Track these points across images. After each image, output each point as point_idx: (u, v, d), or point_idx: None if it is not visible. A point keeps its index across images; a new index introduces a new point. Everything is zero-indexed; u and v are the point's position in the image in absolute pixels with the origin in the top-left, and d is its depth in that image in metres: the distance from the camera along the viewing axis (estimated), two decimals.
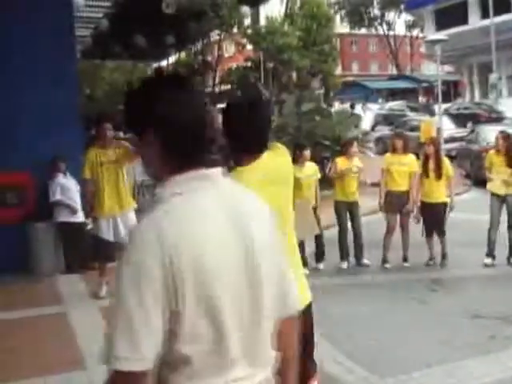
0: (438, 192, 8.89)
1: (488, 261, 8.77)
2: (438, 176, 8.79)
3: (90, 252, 8.59)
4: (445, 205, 8.90)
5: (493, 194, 8.89)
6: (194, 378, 1.71)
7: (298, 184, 7.26)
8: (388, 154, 9.47)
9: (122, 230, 7.55)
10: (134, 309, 1.60)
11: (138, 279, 1.62)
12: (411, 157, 9.23)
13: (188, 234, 1.67)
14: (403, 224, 9.13)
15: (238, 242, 1.76)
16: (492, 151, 9.18)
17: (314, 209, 8.41)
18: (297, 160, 8.10)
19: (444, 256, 8.89)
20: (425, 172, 8.87)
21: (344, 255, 9.16)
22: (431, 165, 8.84)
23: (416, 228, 9.04)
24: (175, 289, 1.63)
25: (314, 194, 8.73)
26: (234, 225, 1.77)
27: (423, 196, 8.95)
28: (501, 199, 8.80)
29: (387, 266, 9.01)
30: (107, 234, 7.67)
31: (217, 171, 1.83)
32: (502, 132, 9.12)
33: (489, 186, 9.00)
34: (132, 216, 7.72)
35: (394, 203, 9.03)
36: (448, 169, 8.95)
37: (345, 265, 9.13)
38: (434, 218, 8.89)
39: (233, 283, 1.74)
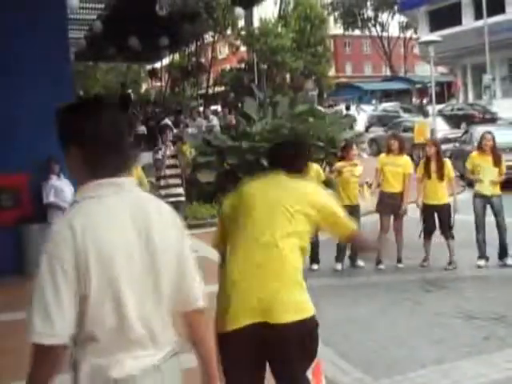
0: (441, 193, 8.86)
1: (481, 262, 8.77)
2: (440, 177, 8.75)
3: None
4: (448, 206, 8.90)
5: (476, 196, 8.85)
6: (101, 355, 2.00)
7: None
8: (382, 155, 9.47)
9: None
10: (48, 291, 1.92)
11: (53, 266, 1.94)
12: (406, 158, 9.23)
13: (97, 229, 1.99)
14: (397, 226, 9.15)
15: (140, 238, 2.07)
16: (474, 153, 9.11)
17: None
18: None
19: (451, 263, 8.78)
20: (427, 173, 8.83)
21: (340, 258, 9.16)
22: (433, 166, 8.80)
23: (413, 229, 9.06)
24: (84, 275, 1.95)
25: None
26: (137, 223, 2.07)
27: (425, 198, 8.91)
28: (485, 200, 8.77)
29: (381, 267, 9.01)
30: None
31: (129, 180, 2.15)
32: (489, 132, 9.09)
33: (477, 186, 8.89)
34: None
35: (387, 204, 9.04)
36: (449, 170, 8.90)
37: (339, 266, 9.13)
38: (439, 219, 8.88)
39: (134, 273, 2.04)
